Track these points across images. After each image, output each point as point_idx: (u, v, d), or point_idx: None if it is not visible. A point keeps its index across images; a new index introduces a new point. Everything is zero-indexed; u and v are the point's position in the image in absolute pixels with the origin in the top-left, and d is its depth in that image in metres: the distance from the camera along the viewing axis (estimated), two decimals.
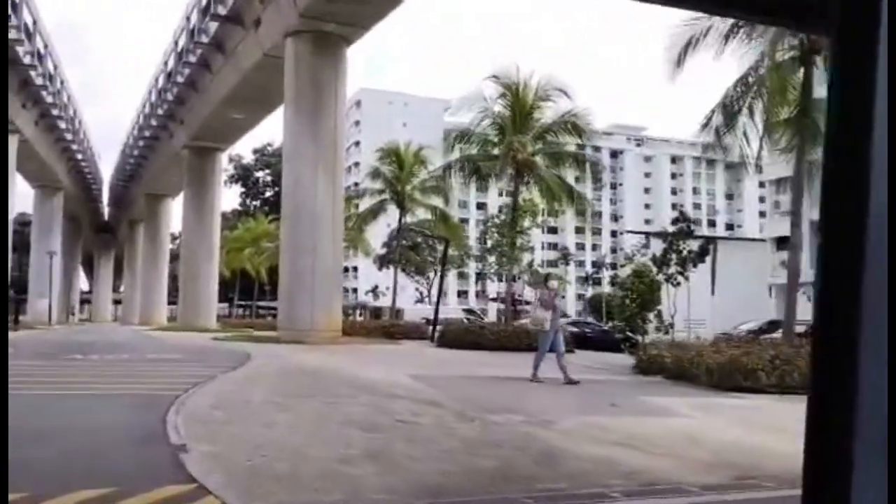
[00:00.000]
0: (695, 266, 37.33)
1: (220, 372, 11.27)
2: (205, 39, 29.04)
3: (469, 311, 41.87)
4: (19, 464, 5.30)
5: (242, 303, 72.23)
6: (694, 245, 38.66)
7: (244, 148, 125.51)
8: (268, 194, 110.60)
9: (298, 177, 22.97)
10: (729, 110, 13.86)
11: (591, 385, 11.84)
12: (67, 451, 5.67)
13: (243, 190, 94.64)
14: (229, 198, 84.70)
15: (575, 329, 27.04)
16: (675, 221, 40.10)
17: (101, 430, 6.69)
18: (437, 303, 28.31)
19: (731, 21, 13.83)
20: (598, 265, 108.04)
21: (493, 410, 8.32)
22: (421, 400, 8.97)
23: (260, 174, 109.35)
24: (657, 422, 8.20)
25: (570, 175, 25.17)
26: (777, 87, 12.96)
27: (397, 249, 36.74)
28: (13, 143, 36.77)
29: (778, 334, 27.08)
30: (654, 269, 27.29)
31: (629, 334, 27.11)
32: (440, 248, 73.83)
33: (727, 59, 14.11)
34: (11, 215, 37.89)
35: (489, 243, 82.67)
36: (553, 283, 12.83)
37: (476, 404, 8.75)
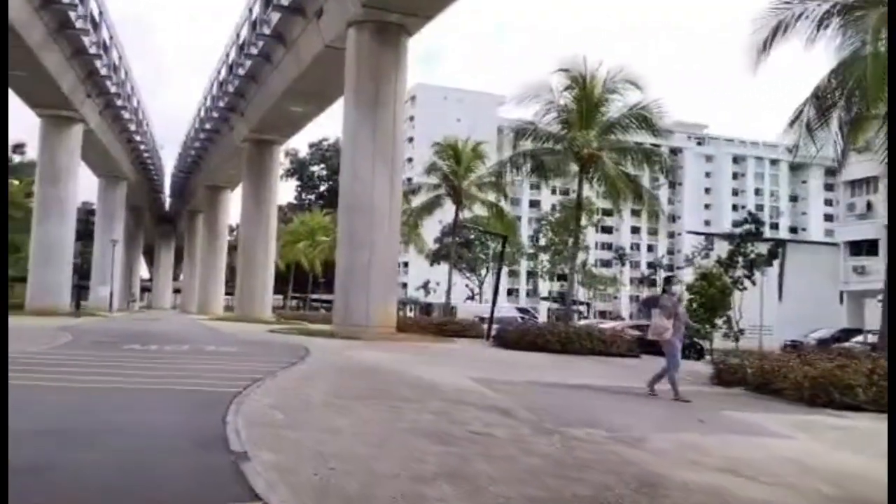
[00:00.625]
0: (763, 270, 35.94)
1: (278, 368, 10.87)
2: (266, 31, 28.93)
3: (523, 311, 41.10)
4: (67, 469, 4.90)
5: (296, 295, 72.86)
6: (762, 248, 37.36)
7: (300, 142, 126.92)
8: (322, 188, 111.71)
9: (356, 170, 22.59)
10: (822, 104, 12.81)
11: (667, 395, 11.08)
12: (121, 457, 5.24)
13: (298, 184, 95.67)
14: (285, 192, 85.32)
15: (637, 332, 26.04)
16: (742, 223, 38.73)
17: (158, 431, 6.27)
18: (494, 301, 27.64)
19: (826, 5, 12.86)
20: (654, 266, 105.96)
21: (571, 423, 7.66)
22: (491, 408, 8.37)
23: (315, 168, 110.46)
24: (755, 442, 7.42)
25: (636, 172, 24.15)
26: (876, 78, 11.87)
27: (452, 246, 36.13)
28: (78, 131, 37.50)
29: (851, 344, 25.76)
30: (720, 273, 26.21)
31: (695, 340, 26.11)
32: (493, 245, 73.38)
33: (805, 51, 13.14)
34: (77, 203, 38.63)
35: (542, 241, 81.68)
36: (676, 288, 11.77)
37: (551, 415, 8.10)
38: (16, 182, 59.10)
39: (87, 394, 7.87)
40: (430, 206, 32.24)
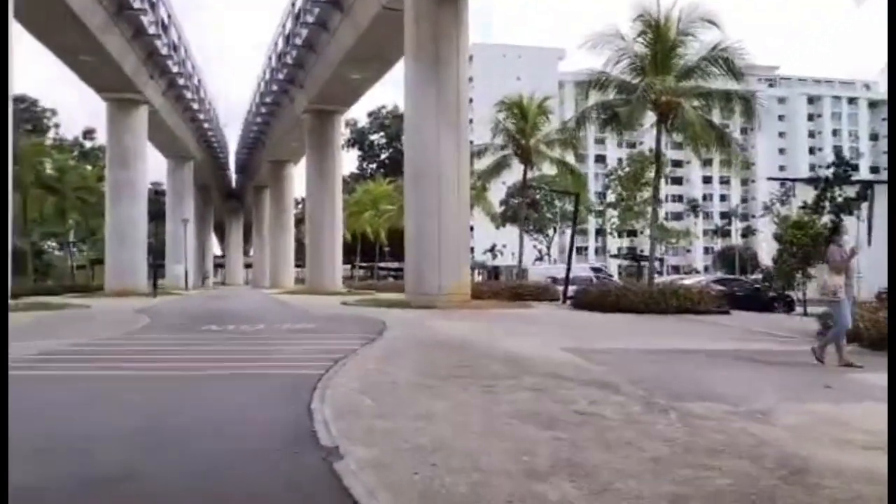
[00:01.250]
0: (852, 213, 33.88)
1: (358, 344, 10.41)
2: None
3: (596, 270, 39.94)
4: (138, 472, 4.47)
5: (363, 264, 73.34)
6: (850, 191, 35.15)
7: (359, 112, 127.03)
8: (383, 156, 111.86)
9: (421, 135, 21.95)
10: None
11: (776, 357, 10.17)
12: (204, 459, 4.77)
13: (360, 153, 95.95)
14: (346, 162, 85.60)
15: (721, 287, 24.84)
16: (830, 165, 36.48)
17: (240, 425, 5.81)
18: (569, 262, 26.80)
19: None
20: (729, 216, 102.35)
21: (683, 396, 6.90)
22: (591, 382, 7.67)
23: (375, 137, 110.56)
24: None
25: (722, 120, 22.73)
26: None
27: (523, 206, 35.23)
28: (143, 113, 37.92)
29: None
30: (814, 220, 24.62)
31: (785, 292, 24.72)
32: (559, 203, 71.75)
33: None
34: (147, 185, 39.28)
35: (609, 197, 79.53)
36: (845, 238, 10.19)
37: (660, 387, 7.35)
38: (88, 167, 60.79)
39: (164, 383, 7.54)
40: (497, 168, 31.33)
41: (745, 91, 20.89)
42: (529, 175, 33.06)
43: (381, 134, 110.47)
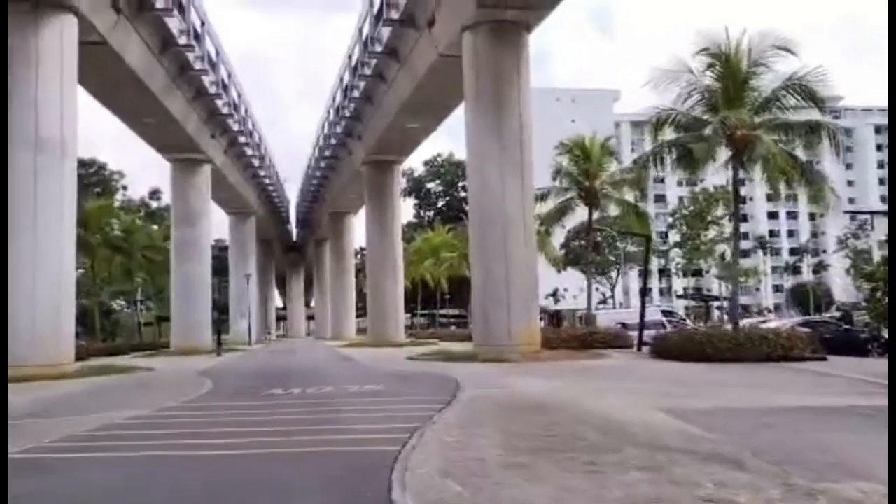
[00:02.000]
0: None
1: (433, 409, 9.55)
2: (378, 48, 28.32)
3: (667, 313, 38.24)
4: None
5: (424, 312, 72.72)
6: None
7: (414, 161, 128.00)
8: (440, 204, 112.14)
9: (484, 180, 21.30)
10: None
11: None
12: None
13: (416, 202, 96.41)
14: (404, 210, 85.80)
15: (807, 330, 23.16)
16: None
17: None
18: (642, 306, 25.49)
19: None
20: (799, 252, 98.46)
21: (824, 473, 5.80)
22: (708, 455, 6.62)
23: (431, 185, 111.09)
24: None
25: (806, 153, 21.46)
26: None
27: (589, 249, 34.13)
28: (206, 171, 38.49)
29: None
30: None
31: (879, 334, 22.86)
32: (622, 245, 70.05)
33: None
34: (211, 241, 39.62)
35: (672, 237, 77.14)
36: None
37: (790, 460, 6.26)
38: (155, 227, 62.25)
39: (222, 468, 6.79)
40: (561, 211, 30.43)
41: (828, 121, 19.65)
42: (595, 217, 32.07)
43: (438, 181, 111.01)
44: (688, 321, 39.74)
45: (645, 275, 26.87)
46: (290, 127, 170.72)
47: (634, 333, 26.93)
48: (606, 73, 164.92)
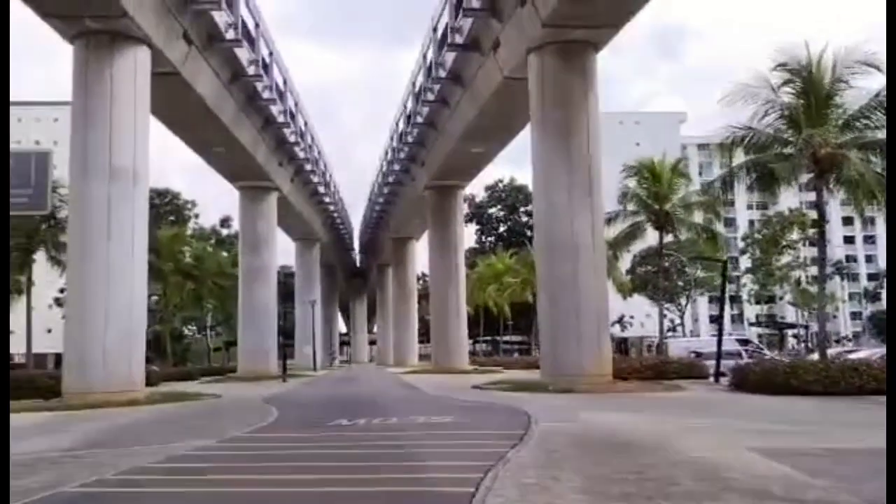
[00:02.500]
0: None
1: (506, 445, 8.99)
2: (442, 74, 28.20)
3: (743, 342, 36.56)
4: None
5: (486, 338, 71.91)
6: None
7: (475, 187, 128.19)
8: (501, 229, 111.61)
9: (551, 203, 20.76)
10: None
11: None
12: None
13: (478, 227, 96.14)
14: (465, 236, 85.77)
15: None
16: None
17: None
18: (720, 334, 24.34)
19: None
20: (878, 277, 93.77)
21: None
22: None
23: (493, 210, 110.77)
24: None
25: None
26: None
27: (661, 275, 33.04)
28: (273, 199, 39.01)
29: None
30: None
31: None
32: (691, 271, 68.03)
33: None
34: (276, 268, 40.01)
35: (742, 262, 74.59)
36: None
37: None
38: (224, 254, 63.57)
39: None
40: (631, 235, 29.56)
41: None
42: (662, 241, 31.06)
43: (499, 206, 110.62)
44: (765, 350, 37.95)
45: (722, 302, 25.71)
46: (353, 158, 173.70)
47: (709, 363, 25.79)
48: (669, 96, 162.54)
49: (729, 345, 34.20)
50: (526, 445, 9.09)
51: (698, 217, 29.46)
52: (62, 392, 18.75)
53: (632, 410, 13.44)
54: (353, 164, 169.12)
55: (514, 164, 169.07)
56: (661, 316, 28.91)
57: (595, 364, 19.81)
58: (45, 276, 34.26)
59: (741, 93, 19.12)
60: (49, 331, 56.09)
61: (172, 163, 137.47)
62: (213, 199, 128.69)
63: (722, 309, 25.28)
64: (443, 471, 7.68)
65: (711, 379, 24.10)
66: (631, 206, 29.44)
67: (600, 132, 21.05)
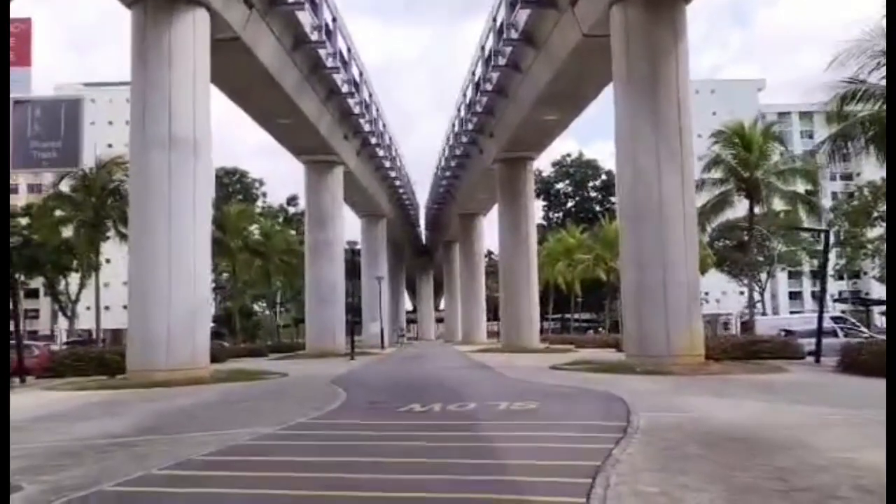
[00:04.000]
0: None
1: (609, 440, 7.64)
2: (514, 35, 26.56)
3: (838, 319, 33.94)
4: None
5: (555, 316, 70.14)
6: None
7: (543, 162, 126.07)
8: (569, 205, 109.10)
9: (637, 169, 19.07)
10: None
11: None
12: None
13: (545, 203, 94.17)
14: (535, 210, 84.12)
15: None
16: None
17: None
18: (821, 312, 22.27)
19: None
20: None
21: None
22: None
23: (560, 186, 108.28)
24: None
25: None
26: None
27: (750, 249, 30.80)
28: (338, 174, 38.21)
29: None
30: None
31: None
32: (770, 245, 64.54)
33: None
34: (343, 244, 39.31)
35: (835, 234, 70.66)
36: None
37: None
38: (292, 232, 63.61)
39: None
40: (719, 205, 27.47)
41: None
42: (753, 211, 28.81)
43: (567, 182, 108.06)
44: (862, 328, 35.26)
45: (823, 276, 23.49)
46: (417, 136, 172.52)
47: (803, 342, 23.88)
48: (741, 65, 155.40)
49: (824, 322, 31.82)
50: (632, 441, 7.70)
51: (793, 186, 27.09)
52: (126, 370, 18.27)
53: (738, 397, 11.85)
54: (416, 144, 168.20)
55: (581, 139, 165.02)
56: (751, 292, 26.90)
57: (685, 343, 18.17)
58: (119, 252, 34.33)
59: (857, 48, 17.00)
60: (125, 307, 57.21)
61: (244, 146, 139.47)
62: (282, 180, 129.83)
63: (823, 284, 23.10)
64: (540, 472, 6.38)
65: (809, 359, 22.21)
66: (718, 174, 27.30)
67: (689, 87, 19.19)
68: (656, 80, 18.77)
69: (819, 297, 22.86)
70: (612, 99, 20.12)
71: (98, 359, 21.71)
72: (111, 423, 10.36)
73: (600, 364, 19.92)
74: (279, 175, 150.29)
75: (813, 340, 23.75)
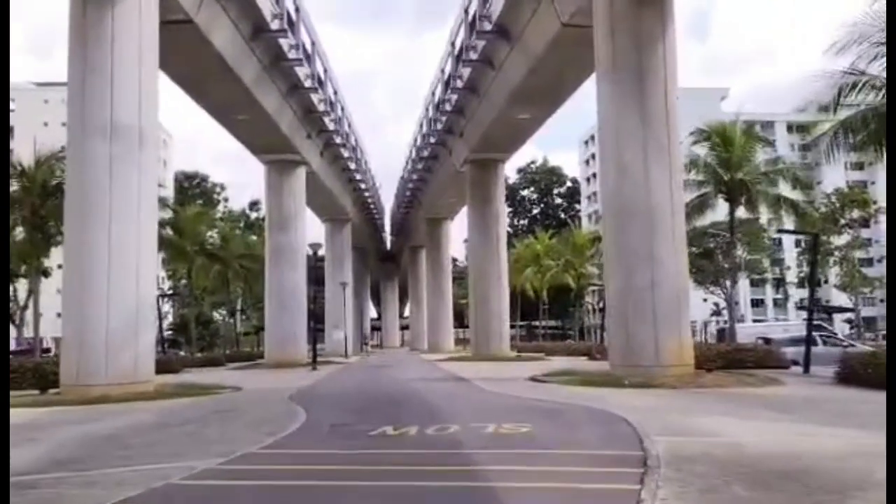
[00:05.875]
0: None
1: (629, 476, 6.18)
2: (487, 27, 25.17)
3: (818, 328, 33.15)
4: None
5: (522, 323, 69.10)
6: None
7: (508, 169, 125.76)
8: (535, 211, 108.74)
9: (622, 164, 17.78)
10: None
11: None
12: None
13: (511, 210, 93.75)
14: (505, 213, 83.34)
15: None
16: None
17: None
18: (810, 320, 21.24)
19: None
20: None
21: None
22: None
23: (525, 192, 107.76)
24: None
25: None
26: None
27: (731, 253, 29.81)
28: (301, 174, 36.46)
29: None
30: None
31: None
32: (738, 253, 64.26)
33: None
34: (305, 248, 37.54)
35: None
36: None
37: None
38: (254, 237, 61.46)
39: None
40: (700, 207, 26.38)
41: None
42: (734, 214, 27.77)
43: (532, 189, 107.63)
44: (840, 336, 34.57)
45: (812, 281, 22.47)
46: (383, 143, 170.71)
47: (787, 350, 23.00)
48: (701, 77, 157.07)
49: (799, 331, 31.01)
50: (658, 478, 6.21)
51: (777, 189, 26.13)
52: (59, 384, 16.31)
53: (753, 417, 10.50)
54: (382, 151, 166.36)
55: (544, 146, 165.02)
56: (730, 300, 25.85)
57: (675, 352, 16.88)
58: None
59: (853, 36, 15.96)
60: None
61: (206, 151, 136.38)
62: (246, 187, 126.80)
63: (812, 289, 22.08)
64: None
65: (795, 368, 21.21)
66: (698, 176, 26.24)
67: (677, 75, 18.01)
68: (643, 69, 17.51)
69: (809, 307, 21.82)
70: (595, 93, 18.74)
71: (34, 370, 19.63)
72: (20, 454, 8.55)
73: (583, 375, 18.53)
74: (242, 182, 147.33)
75: (794, 349, 22.85)
